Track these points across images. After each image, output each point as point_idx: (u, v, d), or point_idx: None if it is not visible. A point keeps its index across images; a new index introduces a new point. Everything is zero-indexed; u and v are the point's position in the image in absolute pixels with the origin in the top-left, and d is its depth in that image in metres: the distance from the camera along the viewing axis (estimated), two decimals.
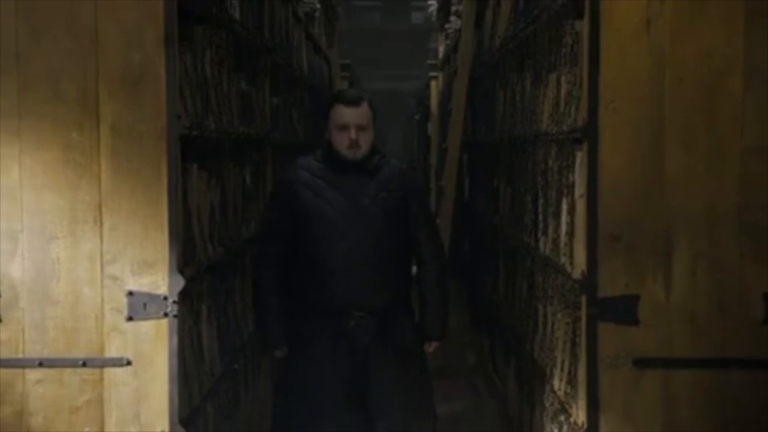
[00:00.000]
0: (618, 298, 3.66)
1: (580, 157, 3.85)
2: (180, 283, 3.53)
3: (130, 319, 3.52)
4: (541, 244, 4.68)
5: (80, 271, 3.52)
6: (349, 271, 4.20)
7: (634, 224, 3.66)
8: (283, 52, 6.81)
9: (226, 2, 4.68)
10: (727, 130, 3.66)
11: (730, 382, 3.69)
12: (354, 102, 4.26)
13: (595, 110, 3.65)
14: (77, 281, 3.52)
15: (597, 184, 3.66)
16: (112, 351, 3.53)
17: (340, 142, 4.24)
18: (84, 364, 3.53)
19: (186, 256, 3.78)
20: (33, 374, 3.52)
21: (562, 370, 4.19)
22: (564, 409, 4.14)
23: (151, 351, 3.53)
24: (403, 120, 25.62)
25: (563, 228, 4.20)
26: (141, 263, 3.52)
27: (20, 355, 3.52)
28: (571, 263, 4.01)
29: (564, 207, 4.20)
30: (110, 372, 3.54)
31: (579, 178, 3.88)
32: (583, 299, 3.74)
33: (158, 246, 3.52)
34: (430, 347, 4.47)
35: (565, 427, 4.13)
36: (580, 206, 3.82)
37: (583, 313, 3.77)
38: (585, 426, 3.73)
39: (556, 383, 4.29)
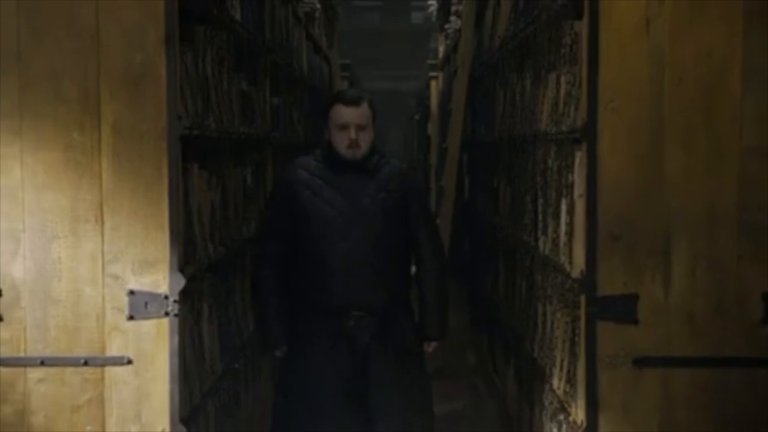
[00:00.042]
0: (617, 297, 3.68)
1: (580, 157, 3.86)
2: (181, 282, 3.54)
3: (131, 318, 3.53)
4: (540, 243, 4.69)
5: (81, 271, 3.53)
6: (349, 271, 4.20)
7: (634, 224, 3.68)
8: (284, 52, 6.82)
9: (227, 2, 4.69)
10: (726, 130, 3.67)
11: (728, 382, 3.70)
12: (354, 102, 4.26)
13: (594, 110, 3.66)
14: (78, 280, 3.53)
15: (596, 184, 3.67)
16: (113, 350, 3.55)
17: (340, 141, 4.24)
18: (85, 363, 3.54)
19: (187, 255, 3.79)
20: (34, 373, 3.54)
21: (561, 369, 4.20)
22: (563, 408, 4.15)
23: (152, 350, 3.54)
24: (403, 120, 25.63)
25: (563, 227, 4.21)
26: (142, 262, 3.53)
27: (22, 354, 3.53)
28: (571, 262, 4.02)
29: (563, 207, 4.21)
30: (111, 371, 3.55)
31: (578, 177, 3.89)
32: (583, 298, 3.75)
33: (159, 245, 3.53)
34: (430, 347, 4.46)
35: (564, 426, 4.14)
36: (580, 206, 3.83)
37: (582, 312, 3.78)
38: (584, 425, 3.74)
39: (555, 382, 4.30)
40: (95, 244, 3.53)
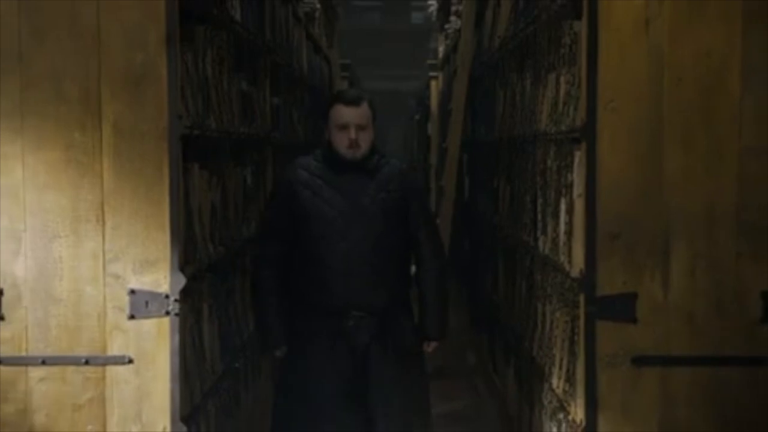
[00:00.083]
0: (616, 296, 3.68)
1: (579, 156, 3.87)
2: (181, 281, 3.55)
3: (132, 317, 3.54)
4: (540, 243, 4.70)
5: (83, 270, 3.54)
6: (349, 271, 4.20)
7: (633, 223, 3.68)
8: (284, 52, 6.83)
9: (227, 3, 4.70)
10: (725, 130, 3.68)
11: (727, 380, 3.71)
12: (354, 102, 4.27)
13: (593, 110, 3.67)
14: (80, 280, 3.54)
15: (595, 184, 3.68)
16: (114, 349, 3.56)
17: (340, 141, 4.24)
18: (86, 362, 3.55)
19: (187, 254, 3.80)
20: (36, 372, 3.55)
21: (560, 368, 4.21)
22: (563, 407, 4.16)
23: (152, 349, 3.55)
24: (403, 120, 25.63)
25: (562, 227, 4.22)
26: (143, 262, 3.54)
27: (23, 353, 3.54)
28: (570, 262, 4.03)
29: (563, 206, 4.22)
30: (112, 370, 3.56)
31: (578, 177, 3.90)
32: (582, 298, 3.76)
33: (160, 245, 3.54)
34: (430, 347, 4.47)
35: (563, 425, 4.15)
36: (579, 205, 3.84)
37: (581, 311, 3.78)
38: (583, 424, 3.75)
39: (554, 381, 4.31)
40: (96, 243, 3.54)
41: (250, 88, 5.39)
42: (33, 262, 3.54)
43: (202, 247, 4.09)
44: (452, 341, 6.83)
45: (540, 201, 4.76)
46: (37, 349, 3.54)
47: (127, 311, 3.54)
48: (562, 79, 4.26)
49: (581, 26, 3.82)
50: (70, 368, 3.55)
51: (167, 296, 3.54)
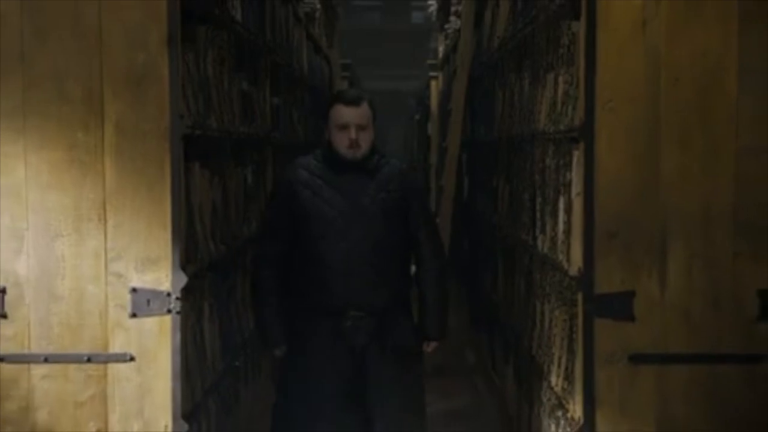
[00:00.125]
0: (614, 294, 3.70)
1: (577, 156, 3.89)
2: (183, 279, 3.57)
3: (133, 315, 3.57)
4: (539, 242, 4.72)
5: (84, 268, 3.56)
6: (349, 271, 4.19)
7: (630, 222, 3.70)
8: (284, 52, 6.85)
9: (228, 3, 4.72)
10: (722, 129, 3.70)
11: (724, 378, 3.73)
12: (354, 102, 4.27)
13: (591, 110, 3.69)
14: (82, 278, 3.56)
15: (593, 183, 3.70)
16: (116, 347, 3.58)
17: (340, 141, 4.24)
18: (88, 360, 3.57)
19: (188, 253, 3.82)
20: (38, 370, 3.57)
21: (559, 366, 4.23)
22: (561, 405, 4.17)
23: (154, 347, 3.58)
24: (403, 120, 25.61)
25: (560, 226, 4.24)
26: (144, 260, 3.56)
27: (26, 351, 3.56)
28: (568, 260, 4.05)
29: (561, 205, 4.24)
30: (114, 368, 3.58)
31: (576, 176, 3.92)
32: (580, 296, 3.78)
33: (161, 243, 3.56)
34: (430, 347, 4.47)
35: (562, 423, 4.17)
36: (577, 204, 3.86)
37: (579, 309, 3.80)
38: (581, 421, 3.77)
39: (553, 379, 4.33)
40: (98, 242, 3.56)
41: (251, 88, 5.41)
42: (35, 260, 3.56)
43: (203, 245, 4.11)
44: (452, 340, 6.86)
45: (539, 200, 4.78)
46: (40, 347, 3.57)
47: (129, 309, 3.57)
48: (560, 79, 4.28)
49: (579, 26, 3.84)
50: (72, 366, 3.58)
51: (169, 294, 3.56)
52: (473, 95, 8.42)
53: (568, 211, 4.09)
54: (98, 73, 3.53)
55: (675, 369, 3.72)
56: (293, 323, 4.30)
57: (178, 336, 3.58)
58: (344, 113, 4.24)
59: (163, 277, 3.56)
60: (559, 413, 4.21)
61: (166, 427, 3.58)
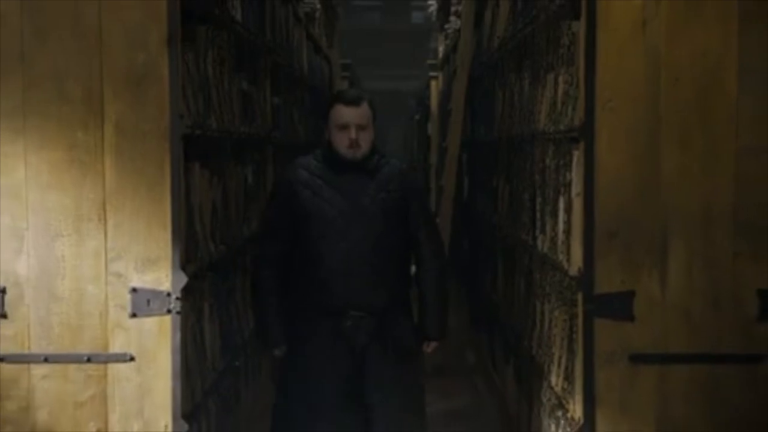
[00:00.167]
0: (614, 294, 3.71)
1: (577, 156, 3.89)
2: (183, 279, 3.58)
3: (133, 315, 3.57)
4: (539, 242, 4.72)
5: (85, 268, 3.56)
6: (349, 271, 4.19)
7: (630, 222, 3.71)
8: (284, 52, 6.85)
9: (228, 3, 4.73)
10: (722, 129, 3.71)
11: (724, 378, 3.73)
12: (354, 102, 4.27)
13: (591, 110, 3.69)
14: (82, 278, 3.57)
15: (594, 183, 3.70)
16: (116, 347, 3.58)
17: (340, 141, 4.24)
18: (88, 360, 3.58)
19: (188, 253, 3.82)
20: (38, 370, 3.57)
21: (559, 366, 4.23)
22: (561, 405, 4.18)
23: (154, 347, 3.58)
24: (403, 120, 25.61)
25: (560, 226, 4.24)
26: (144, 260, 3.56)
27: (26, 351, 3.56)
28: (568, 260, 4.05)
29: (561, 205, 4.24)
30: (114, 368, 3.58)
31: (576, 176, 3.92)
32: (580, 296, 3.78)
33: (161, 243, 3.56)
34: (429, 347, 4.47)
35: (562, 423, 4.17)
36: (577, 204, 3.86)
37: (579, 309, 3.80)
38: (581, 421, 3.77)
39: (553, 379, 4.33)
40: (98, 242, 3.56)
41: (251, 88, 5.41)
42: (35, 260, 3.56)
43: (203, 245, 4.12)
44: (452, 340, 6.86)
45: (539, 200, 4.78)
46: (40, 347, 3.57)
47: (129, 309, 3.57)
48: (560, 78, 4.28)
49: (579, 27, 3.84)
50: (72, 366, 3.58)
51: (169, 294, 3.56)
52: (473, 95, 8.43)
53: (568, 211, 4.09)
54: (98, 73, 3.53)
55: (675, 369, 3.73)
56: (293, 323, 4.30)
57: (178, 336, 3.58)
58: (344, 113, 4.24)
59: (163, 277, 3.56)
60: (559, 413, 4.22)
61: (166, 427, 3.58)
